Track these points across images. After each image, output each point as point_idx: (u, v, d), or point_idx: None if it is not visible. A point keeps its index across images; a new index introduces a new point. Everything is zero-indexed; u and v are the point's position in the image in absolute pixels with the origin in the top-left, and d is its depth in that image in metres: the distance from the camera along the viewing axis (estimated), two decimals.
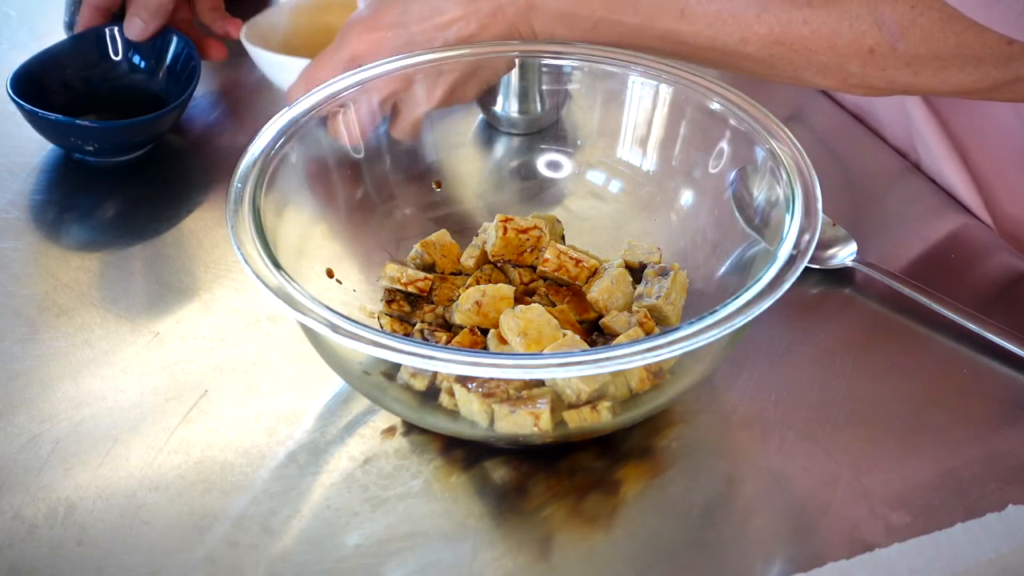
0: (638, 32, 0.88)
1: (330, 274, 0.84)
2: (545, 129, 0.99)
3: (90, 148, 0.98)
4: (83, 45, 1.05)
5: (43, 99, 0.99)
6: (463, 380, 0.76)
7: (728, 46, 0.86)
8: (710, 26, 0.85)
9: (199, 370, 0.83)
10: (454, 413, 0.76)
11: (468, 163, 0.96)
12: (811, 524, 0.75)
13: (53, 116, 0.96)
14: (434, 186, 0.91)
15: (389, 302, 0.84)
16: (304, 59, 1.00)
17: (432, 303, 0.84)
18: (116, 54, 1.06)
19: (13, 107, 0.99)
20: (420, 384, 0.77)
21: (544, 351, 0.76)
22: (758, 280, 0.71)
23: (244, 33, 1.04)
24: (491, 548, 0.73)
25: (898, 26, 0.80)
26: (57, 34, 1.12)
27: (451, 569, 0.72)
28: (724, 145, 0.85)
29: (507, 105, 0.98)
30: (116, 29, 1.06)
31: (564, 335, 0.78)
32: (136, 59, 1.06)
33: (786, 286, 0.71)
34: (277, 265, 0.72)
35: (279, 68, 1.01)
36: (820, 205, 0.76)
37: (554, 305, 0.82)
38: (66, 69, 1.04)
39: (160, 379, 0.82)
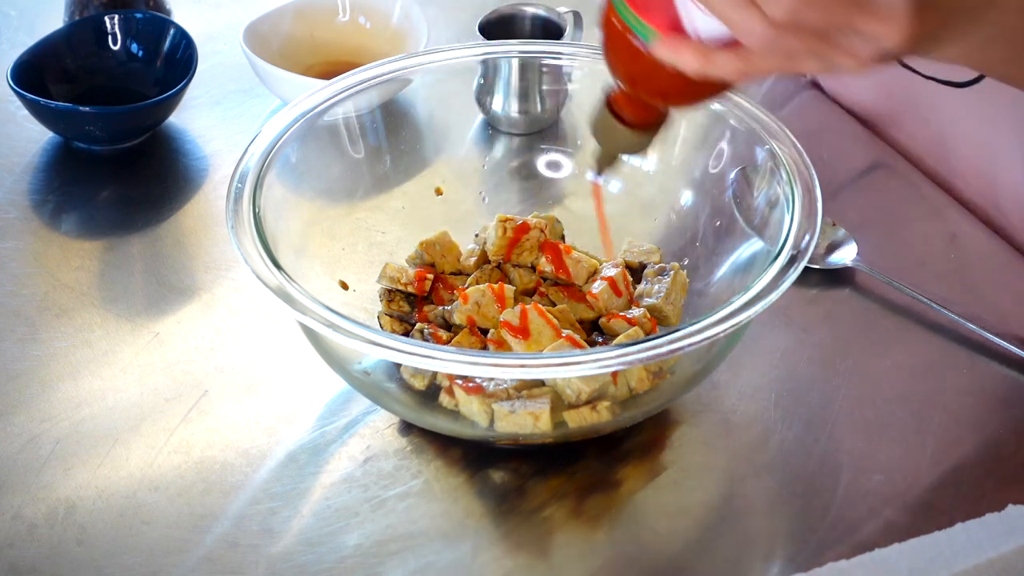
0: None
1: (344, 286, 0.84)
2: (545, 129, 0.99)
3: (94, 134, 0.98)
4: (80, 34, 1.05)
5: (42, 89, 0.99)
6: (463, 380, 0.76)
7: None
8: None
9: (199, 370, 0.83)
10: (454, 413, 0.76)
11: (468, 163, 0.96)
12: (811, 524, 0.75)
13: (55, 104, 0.96)
14: (435, 192, 0.92)
15: (389, 302, 0.84)
16: (298, 75, 0.99)
17: (432, 303, 0.84)
18: (114, 43, 1.06)
19: (11, 108, 0.99)
20: (420, 384, 0.77)
21: (544, 351, 0.76)
22: (758, 280, 0.71)
23: (244, 35, 1.03)
24: (491, 548, 0.73)
25: None
26: None
27: (451, 569, 0.72)
28: (724, 145, 0.85)
29: (507, 105, 0.98)
30: (116, 17, 1.05)
31: (564, 335, 0.78)
32: (134, 48, 1.05)
33: (786, 286, 0.71)
34: (277, 265, 0.72)
35: (271, 77, 1.01)
36: (820, 205, 0.76)
37: (554, 305, 0.82)
38: (64, 59, 1.03)
39: (160, 379, 0.82)
